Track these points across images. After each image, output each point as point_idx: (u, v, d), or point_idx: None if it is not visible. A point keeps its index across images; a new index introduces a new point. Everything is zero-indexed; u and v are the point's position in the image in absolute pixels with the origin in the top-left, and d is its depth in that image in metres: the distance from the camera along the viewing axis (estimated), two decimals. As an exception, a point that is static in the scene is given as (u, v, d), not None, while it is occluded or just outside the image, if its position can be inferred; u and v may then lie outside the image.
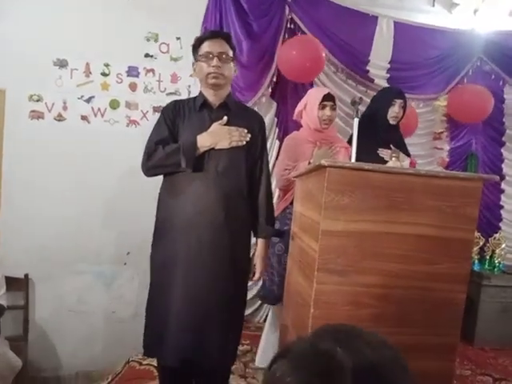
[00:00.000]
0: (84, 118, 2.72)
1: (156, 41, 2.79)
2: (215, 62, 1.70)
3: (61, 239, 2.69)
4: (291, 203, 2.18)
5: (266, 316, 2.68)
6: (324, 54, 2.82)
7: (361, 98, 1.75)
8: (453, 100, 3.10)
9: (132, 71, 2.77)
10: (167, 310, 1.70)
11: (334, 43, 2.96)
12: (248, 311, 2.90)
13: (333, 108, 2.28)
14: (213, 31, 2.24)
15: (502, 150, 3.36)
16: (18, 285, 2.59)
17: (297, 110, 2.43)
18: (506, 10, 3.16)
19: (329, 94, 2.29)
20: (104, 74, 2.73)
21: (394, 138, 2.38)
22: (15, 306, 2.56)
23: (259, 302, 2.89)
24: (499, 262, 3.06)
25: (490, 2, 3.09)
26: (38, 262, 2.67)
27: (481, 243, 3.08)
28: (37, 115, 2.66)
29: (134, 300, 2.79)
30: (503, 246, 3.10)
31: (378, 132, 2.33)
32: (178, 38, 2.79)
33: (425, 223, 1.40)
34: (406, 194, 1.39)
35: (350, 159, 2.29)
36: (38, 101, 2.65)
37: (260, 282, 2.42)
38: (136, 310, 2.71)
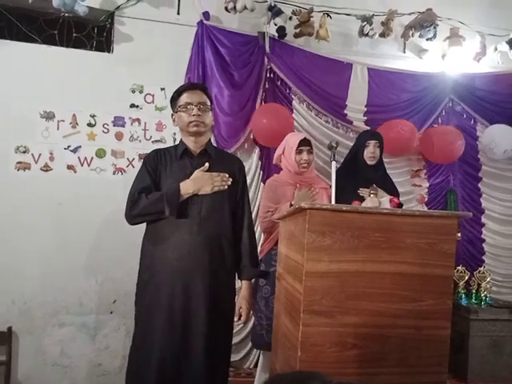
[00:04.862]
0: (70, 167, 2.75)
1: (141, 92, 2.89)
2: (195, 111, 1.79)
3: (43, 289, 2.64)
4: (276, 244, 2.21)
5: (257, 361, 2.63)
6: (294, 121, 2.95)
7: (337, 143, 1.86)
8: (423, 142, 3.23)
9: (118, 121, 2.85)
10: (151, 359, 1.67)
11: (311, 90, 3.09)
12: (237, 356, 2.84)
13: (309, 152, 2.39)
14: (190, 83, 2.40)
15: (480, 185, 3.46)
16: (1, 339, 2.51)
17: (276, 154, 2.54)
18: (470, 55, 3.37)
19: (305, 139, 2.41)
20: (90, 125, 2.80)
21: (376, 176, 2.47)
22: (-2, 362, 2.46)
23: (249, 347, 2.83)
24: (486, 296, 3.08)
25: (455, 49, 3.30)
26: (20, 314, 2.60)
27: (466, 277, 3.11)
28: (23, 166, 2.69)
29: (120, 350, 2.72)
30: (488, 279, 3.12)
31: (359, 173, 2.43)
32: (163, 89, 2.90)
33: (405, 261, 1.44)
34: (384, 233, 1.43)
35: (329, 199, 2.37)
36: (24, 152, 2.69)
37: (249, 326, 2.40)
38: (123, 361, 2.63)
